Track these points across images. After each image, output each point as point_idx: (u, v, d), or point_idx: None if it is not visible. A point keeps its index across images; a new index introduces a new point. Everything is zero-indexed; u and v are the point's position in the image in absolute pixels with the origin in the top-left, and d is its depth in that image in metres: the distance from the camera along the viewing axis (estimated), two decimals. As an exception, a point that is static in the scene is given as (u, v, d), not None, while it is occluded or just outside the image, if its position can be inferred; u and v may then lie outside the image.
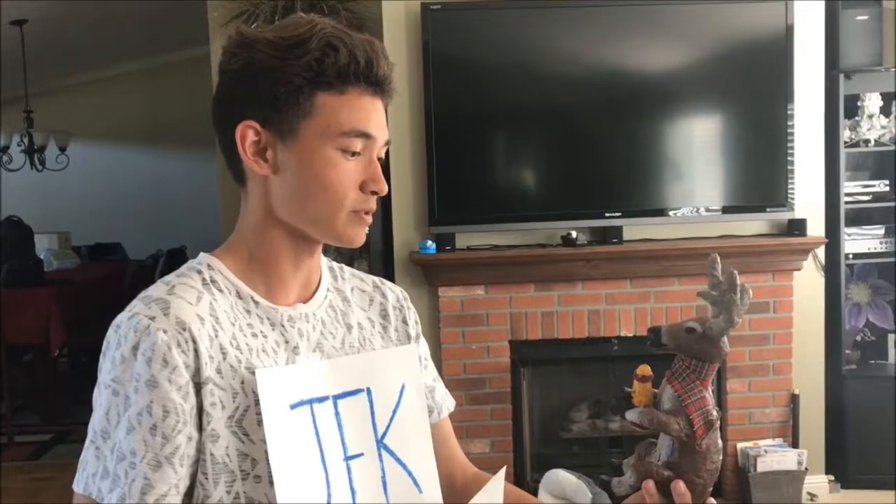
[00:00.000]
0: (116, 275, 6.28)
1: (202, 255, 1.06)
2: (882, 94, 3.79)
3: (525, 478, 3.63)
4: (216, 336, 0.98)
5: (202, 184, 6.41)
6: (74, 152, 6.77)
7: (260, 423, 0.96)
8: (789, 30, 3.58)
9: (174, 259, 5.94)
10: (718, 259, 1.06)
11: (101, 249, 7.15)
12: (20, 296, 5.07)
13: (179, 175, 7.42)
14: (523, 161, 3.72)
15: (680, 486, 1.01)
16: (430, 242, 3.53)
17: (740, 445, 3.64)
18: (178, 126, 7.08)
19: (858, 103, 3.79)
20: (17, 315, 5.00)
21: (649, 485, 1.02)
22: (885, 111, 3.80)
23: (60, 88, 7.20)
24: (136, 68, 7.26)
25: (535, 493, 3.38)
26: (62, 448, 4.78)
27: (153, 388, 0.94)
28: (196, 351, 0.96)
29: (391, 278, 3.55)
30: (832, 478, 3.77)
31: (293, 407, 0.99)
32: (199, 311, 0.98)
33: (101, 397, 0.97)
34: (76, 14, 5.58)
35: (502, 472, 1.08)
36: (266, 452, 0.96)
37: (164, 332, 0.94)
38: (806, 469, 3.58)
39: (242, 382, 0.98)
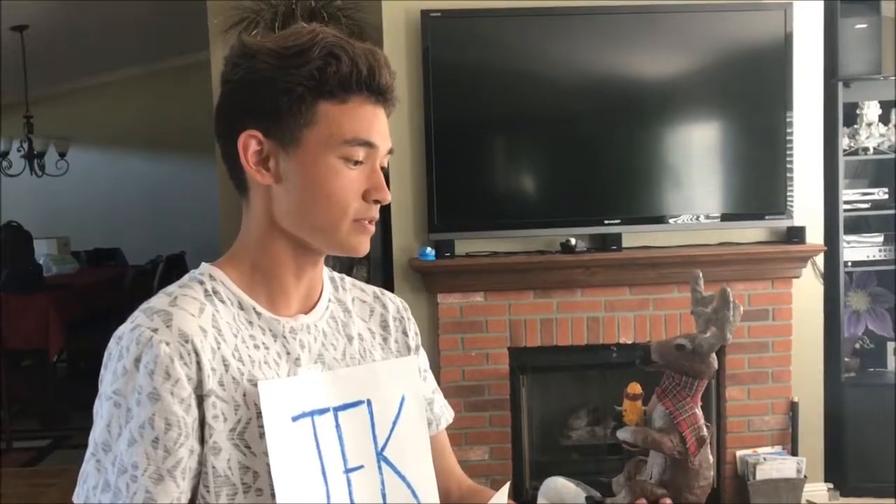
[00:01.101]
0: (116, 280, 6.27)
1: (204, 266, 1.06)
2: (881, 103, 3.79)
3: (524, 485, 3.63)
4: (218, 348, 0.98)
5: (202, 189, 6.41)
6: (74, 158, 6.77)
7: (262, 435, 0.96)
8: (788, 38, 3.59)
9: (173, 265, 5.94)
10: (701, 275, 1.06)
11: (100, 254, 7.13)
12: (19, 301, 5.06)
13: (179, 181, 7.42)
14: (523, 168, 3.72)
15: None
16: (429, 249, 3.53)
17: (739, 453, 3.64)
18: (178, 132, 7.08)
19: (857, 111, 3.80)
20: (16, 320, 4.99)
21: (642, 503, 1.02)
22: (884, 119, 3.81)
23: (60, 94, 7.20)
24: (136, 74, 7.26)
25: (533, 500, 3.37)
26: (60, 453, 4.76)
27: (155, 400, 0.93)
28: (199, 363, 0.95)
29: (390, 285, 3.55)
30: (831, 485, 3.77)
31: (295, 419, 0.98)
32: (201, 323, 0.97)
33: (102, 409, 0.96)
34: (77, 20, 5.59)
35: (506, 487, 1.08)
36: (268, 465, 0.96)
37: (167, 344, 0.94)
38: (805, 477, 3.58)
39: (244, 395, 0.98)
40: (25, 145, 6.35)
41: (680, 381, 1.02)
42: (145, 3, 5.31)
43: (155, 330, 0.95)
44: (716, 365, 1.03)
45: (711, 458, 1.04)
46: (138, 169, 7.62)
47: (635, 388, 1.06)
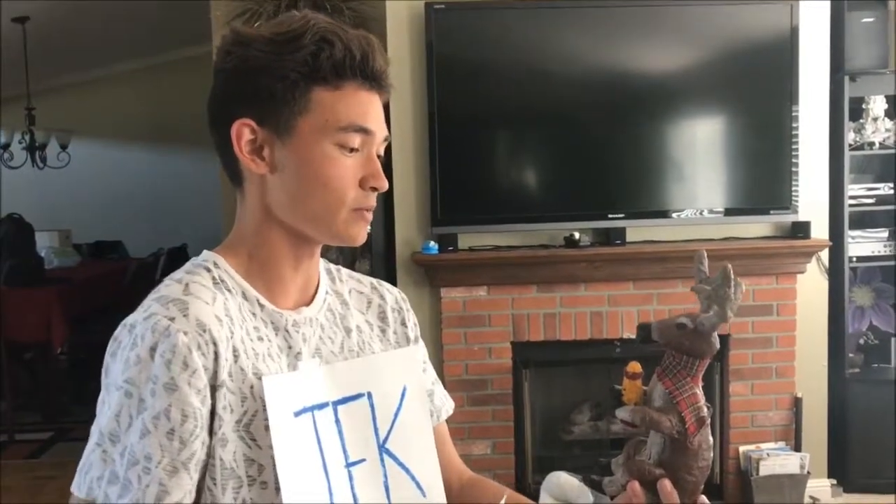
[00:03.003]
0: (117, 273, 6.27)
1: (207, 253, 1.04)
2: (887, 97, 3.77)
3: (526, 480, 3.62)
4: (231, 337, 0.96)
5: (204, 182, 6.39)
6: (76, 150, 6.76)
7: (267, 428, 0.95)
8: (794, 31, 3.56)
9: (175, 257, 5.93)
10: (705, 254, 1.05)
11: (101, 247, 7.13)
12: (21, 294, 5.06)
13: (181, 173, 7.41)
14: (526, 162, 3.70)
15: (666, 485, 1.00)
16: (432, 243, 3.51)
17: (742, 448, 3.63)
18: (179, 124, 7.05)
19: (863, 106, 3.78)
20: (18, 313, 4.99)
21: (635, 485, 1.01)
22: (890, 114, 3.78)
23: (62, 86, 7.19)
24: (138, 66, 7.24)
25: (536, 495, 3.37)
26: (62, 446, 4.77)
27: (172, 391, 0.91)
28: (216, 353, 0.94)
29: (393, 279, 3.54)
30: (834, 482, 3.75)
31: (297, 414, 0.97)
32: (216, 312, 0.96)
33: (110, 398, 0.94)
34: (78, 12, 5.57)
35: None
36: (273, 459, 0.94)
37: (185, 333, 0.92)
38: (808, 473, 3.57)
39: (251, 387, 0.96)
40: (27, 137, 6.34)
41: (680, 361, 1.01)
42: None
43: (172, 319, 0.93)
44: (717, 344, 1.02)
45: (711, 440, 1.03)
46: (140, 161, 7.60)
47: (635, 367, 1.05)
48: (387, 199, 3.54)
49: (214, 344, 0.94)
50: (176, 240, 6.53)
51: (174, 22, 5.76)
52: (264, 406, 0.95)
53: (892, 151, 3.78)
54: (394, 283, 3.66)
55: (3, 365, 4.94)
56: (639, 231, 3.61)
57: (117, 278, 6.12)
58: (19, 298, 5.02)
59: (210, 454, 0.94)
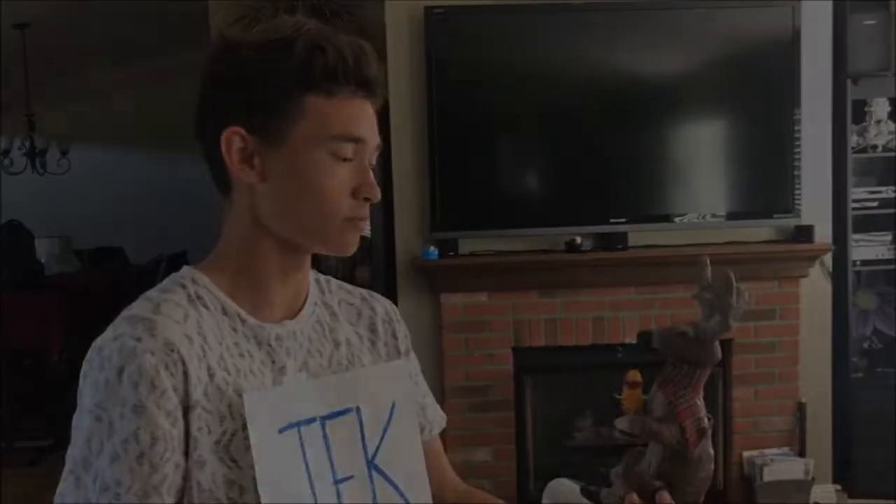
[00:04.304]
0: (118, 279, 6.26)
1: (185, 269, 1.02)
2: (890, 100, 3.75)
3: (528, 487, 3.60)
4: (204, 356, 0.93)
5: (204, 188, 6.38)
6: (76, 156, 6.75)
7: (248, 448, 0.92)
8: (796, 34, 3.54)
9: (175, 264, 5.91)
10: (708, 261, 1.03)
11: (102, 253, 7.13)
12: (20, 300, 5.05)
13: (182, 178, 7.37)
14: (527, 166, 3.69)
15: (665, 498, 0.98)
16: (432, 248, 3.49)
17: (746, 454, 3.61)
18: (179, 130, 7.04)
19: (866, 108, 3.76)
20: (18, 320, 4.97)
21: (633, 497, 0.99)
22: (893, 116, 3.76)
23: (62, 92, 7.19)
24: (137, 72, 7.24)
25: (537, 502, 3.34)
26: (61, 454, 4.73)
27: (140, 414, 0.89)
28: (185, 373, 0.91)
29: (393, 284, 3.52)
30: (839, 487, 3.73)
31: (282, 431, 0.94)
32: (186, 331, 0.93)
33: (81, 424, 0.92)
34: (78, 18, 5.57)
35: None
36: (254, 480, 0.91)
37: (152, 354, 0.90)
38: (813, 478, 3.54)
39: (230, 406, 0.93)
40: (27, 143, 6.34)
41: (682, 370, 0.99)
42: (147, 2, 5.29)
43: (139, 339, 0.91)
44: (719, 354, 1.00)
45: (712, 451, 1.00)
46: (140, 167, 7.60)
47: (635, 375, 1.03)
48: (387, 204, 3.53)
49: (183, 363, 0.91)
50: (176, 246, 6.51)
51: (173, 27, 5.76)
52: (244, 425, 0.92)
53: (895, 154, 3.76)
54: (394, 289, 3.61)
55: (1, 372, 4.92)
56: (640, 235, 3.59)
57: (117, 285, 6.11)
58: (19, 305, 5.01)
59: (186, 477, 0.92)
